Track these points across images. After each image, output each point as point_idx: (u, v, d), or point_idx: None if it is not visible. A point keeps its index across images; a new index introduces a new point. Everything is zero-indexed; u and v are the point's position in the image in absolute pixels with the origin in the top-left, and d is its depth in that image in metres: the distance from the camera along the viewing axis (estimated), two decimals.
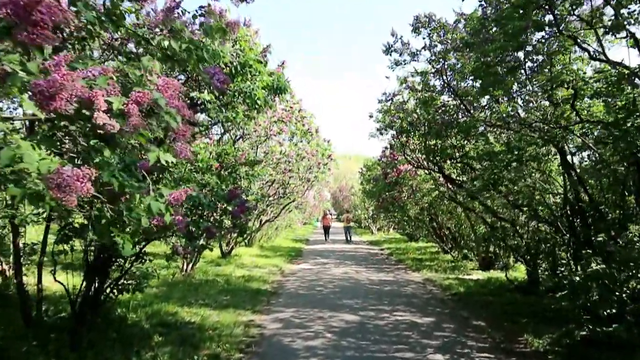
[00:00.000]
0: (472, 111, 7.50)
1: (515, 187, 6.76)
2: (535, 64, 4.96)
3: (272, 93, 6.34)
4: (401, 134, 10.06)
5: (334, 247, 23.32)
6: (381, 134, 13.27)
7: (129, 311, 7.03)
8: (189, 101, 5.39)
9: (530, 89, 5.76)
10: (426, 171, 12.87)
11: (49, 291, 7.71)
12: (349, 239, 27.02)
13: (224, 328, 6.86)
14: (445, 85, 7.83)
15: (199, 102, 5.42)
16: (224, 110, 5.30)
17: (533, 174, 6.99)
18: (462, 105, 7.83)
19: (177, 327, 6.84)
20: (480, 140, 8.04)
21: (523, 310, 8.34)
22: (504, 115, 6.23)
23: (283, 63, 11.67)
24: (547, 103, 5.88)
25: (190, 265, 11.42)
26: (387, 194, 19.73)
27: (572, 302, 5.60)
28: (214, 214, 5.83)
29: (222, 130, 11.56)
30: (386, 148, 19.77)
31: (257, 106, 5.88)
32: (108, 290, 6.35)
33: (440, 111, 8.66)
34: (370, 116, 11.58)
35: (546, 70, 4.90)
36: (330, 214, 37.10)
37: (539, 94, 5.77)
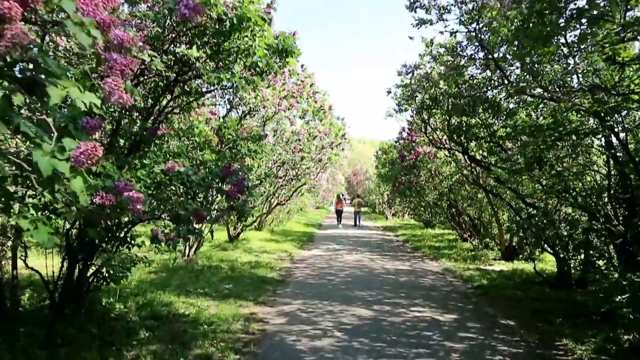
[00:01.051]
0: (510, 80, 6.54)
1: (559, 167, 5.84)
2: (600, 9, 4.03)
3: (277, 56, 5.48)
4: (423, 110, 9.12)
5: (347, 232, 22.55)
6: (400, 111, 12.36)
7: (116, 301, 6.32)
8: (173, 58, 4.56)
9: (589, 45, 4.80)
10: (447, 153, 11.95)
11: (35, 278, 7.05)
12: (358, 223, 26.76)
13: (222, 322, 6.13)
14: (478, 46, 6.84)
15: (188, 62, 4.59)
16: (218, 71, 4.46)
17: (575, 153, 6.06)
18: (496, 74, 6.89)
19: (169, 321, 6.12)
20: (515, 117, 7.10)
21: (555, 307, 7.48)
22: (556, 77, 5.28)
23: (294, 34, 10.80)
24: (603, 65, 4.91)
25: (193, 250, 10.72)
26: (403, 177, 18.82)
27: (626, 302, 4.72)
28: (208, 194, 5.04)
29: (229, 107, 10.76)
30: (403, 130, 18.83)
31: (258, 68, 5.03)
32: (91, 278, 5.67)
33: (467, 85, 7.72)
34: (389, 92, 10.65)
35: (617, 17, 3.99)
36: (344, 198, 36.36)
37: (596, 53, 4.81)
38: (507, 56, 6.37)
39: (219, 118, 9.04)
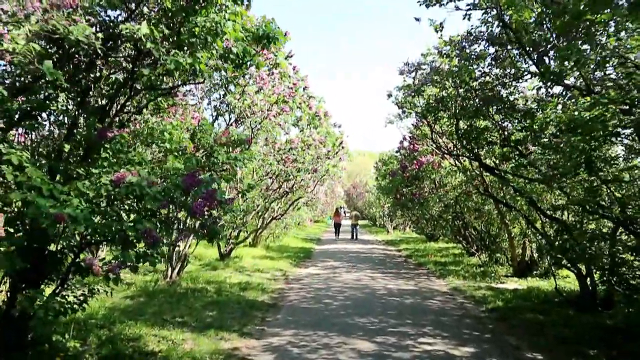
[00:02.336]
0: (540, 67, 5.60)
1: (607, 171, 4.90)
2: None
3: (258, 42, 4.56)
4: (428, 113, 8.19)
5: (346, 247, 21.52)
6: (402, 117, 11.48)
7: (70, 338, 5.32)
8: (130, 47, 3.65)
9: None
10: (454, 161, 11.03)
11: None
12: (355, 237, 26.55)
13: None
14: (499, 27, 5.90)
15: (143, 47, 3.67)
16: (178, 56, 3.54)
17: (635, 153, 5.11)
18: (513, 69, 6.01)
19: None
20: (536, 117, 6.18)
21: (585, 334, 6.50)
22: (605, 58, 4.36)
23: (285, 34, 9.94)
24: None
25: (177, 271, 9.73)
26: (405, 189, 17.88)
27: None
28: (170, 210, 4.10)
29: (215, 114, 9.86)
30: (404, 138, 17.94)
31: (232, 55, 4.11)
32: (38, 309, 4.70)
33: (478, 82, 6.82)
34: (389, 95, 9.75)
35: None
36: (344, 212, 35.53)
37: None
38: (537, 35, 5.43)
39: (206, 122, 8.12)
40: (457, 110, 7.42)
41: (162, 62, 3.48)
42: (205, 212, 3.91)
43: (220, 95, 9.73)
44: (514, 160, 7.12)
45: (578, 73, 6.06)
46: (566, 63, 4.52)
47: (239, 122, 9.58)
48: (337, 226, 28.19)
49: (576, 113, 4.74)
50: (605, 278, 7.98)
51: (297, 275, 12.31)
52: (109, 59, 4.53)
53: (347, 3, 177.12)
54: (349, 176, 61.40)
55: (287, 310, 8.06)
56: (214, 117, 9.72)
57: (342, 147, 12.81)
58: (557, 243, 6.45)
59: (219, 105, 9.68)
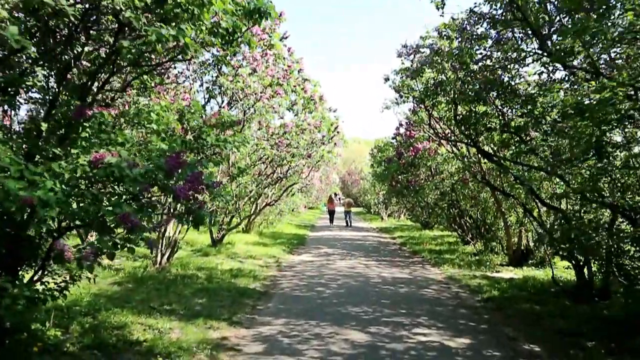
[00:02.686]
0: (546, 48, 5.36)
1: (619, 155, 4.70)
2: None
3: (248, 18, 4.30)
4: (426, 97, 7.94)
5: (340, 234, 21.37)
6: (399, 102, 11.22)
7: (50, 327, 5.10)
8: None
9: None
10: (451, 148, 10.81)
11: None
12: (348, 223, 26.50)
13: (182, 353, 4.95)
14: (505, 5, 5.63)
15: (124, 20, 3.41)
16: (161, 28, 3.28)
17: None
18: (516, 50, 5.76)
19: (118, 351, 4.94)
20: (539, 102, 5.96)
21: (582, 325, 6.36)
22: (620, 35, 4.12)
23: (281, 14, 9.62)
24: None
25: (167, 257, 9.52)
26: (400, 176, 17.68)
27: None
28: (151, 194, 3.87)
29: (208, 96, 9.56)
30: (400, 125, 17.69)
31: (221, 29, 3.85)
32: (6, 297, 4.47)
33: (479, 66, 6.57)
34: (386, 79, 9.48)
35: None
36: (339, 199, 35.47)
37: None
38: (542, 15, 5.18)
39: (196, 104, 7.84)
40: (456, 95, 7.18)
41: (143, 33, 3.22)
42: (191, 196, 3.68)
43: (212, 77, 9.44)
44: (513, 147, 6.90)
45: (585, 55, 5.84)
46: (577, 41, 4.27)
47: (232, 105, 9.30)
48: (332, 213, 28.59)
49: (582, 97, 4.53)
50: (604, 269, 7.87)
51: (290, 262, 12.13)
52: (90, 32, 4.26)
53: None
54: (344, 163, 61.13)
55: (278, 298, 7.88)
56: (206, 100, 9.43)
57: (338, 132, 12.54)
58: (559, 232, 6.24)
59: (211, 87, 9.38)
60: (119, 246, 3.30)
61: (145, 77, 5.00)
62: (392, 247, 16.26)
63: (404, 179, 17.09)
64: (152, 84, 5.20)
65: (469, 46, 6.38)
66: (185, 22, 3.49)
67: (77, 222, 3.71)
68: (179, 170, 3.54)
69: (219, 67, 8.91)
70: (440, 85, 7.29)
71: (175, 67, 9.66)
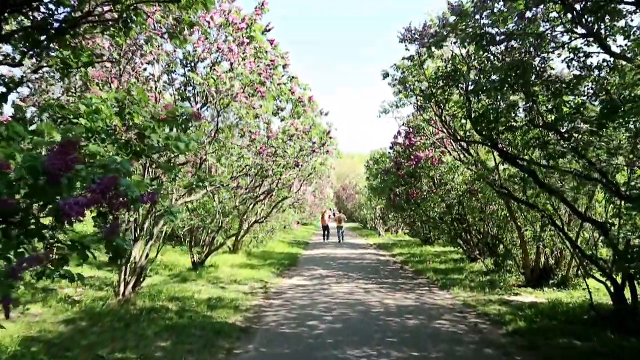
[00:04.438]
0: None
1: None
2: None
3: None
4: (438, 88, 6.62)
5: (336, 252, 19.91)
6: (398, 106, 9.97)
7: None
8: None
9: None
10: (458, 155, 9.50)
11: None
12: (340, 240, 26.16)
13: None
14: None
15: None
16: None
17: None
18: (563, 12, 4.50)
19: None
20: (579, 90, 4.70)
21: None
22: None
23: (263, 4, 8.36)
24: None
25: (132, 286, 8.07)
26: (398, 189, 16.36)
27: None
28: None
29: (179, 98, 8.23)
30: (399, 134, 16.43)
31: None
32: None
33: (504, 47, 5.31)
34: (386, 75, 8.20)
35: None
36: (333, 214, 34.24)
37: None
38: None
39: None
40: (474, 85, 5.90)
41: None
42: (100, 214, 2.31)
43: (186, 77, 8.13)
44: (546, 148, 5.58)
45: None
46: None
47: (207, 107, 7.97)
48: (325, 229, 28.09)
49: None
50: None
51: (280, 287, 10.70)
52: None
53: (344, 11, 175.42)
54: (339, 178, 59.80)
55: (262, 337, 6.46)
56: (175, 100, 8.09)
57: (331, 138, 11.19)
58: (624, 250, 4.92)
59: (182, 89, 8.07)
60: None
61: (66, 53, 3.67)
62: (393, 267, 14.83)
63: (403, 192, 15.78)
64: (78, 63, 3.87)
65: (489, 22, 5.12)
66: None
67: None
68: (71, 173, 2.18)
69: (191, 63, 7.61)
70: (454, 75, 5.99)
71: (145, 70, 8.40)
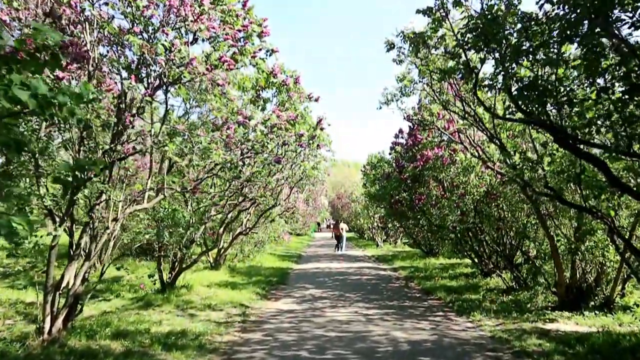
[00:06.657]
0: None
1: None
2: None
3: None
4: (475, 48, 4.79)
5: (331, 266, 17.97)
6: (404, 93, 8.22)
7: None
8: None
9: None
10: (482, 148, 7.69)
11: None
12: (339, 249, 25.86)
13: None
14: None
15: None
16: None
17: None
18: None
19: None
20: None
21: None
22: None
23: None
24: None
25: (61, 321, 6.15)
26: (403, 194, 14.52)
27: None
28: None
29: (126, 75, 6.38)
30: (401, 132, 14.64)
31: None
32: None
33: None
34: (391, 47, 6.41)
35: None
36: (335, 222, 32.47)
37: None
38: None
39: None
40: (517, 46, 4.08)
41: None
42: None
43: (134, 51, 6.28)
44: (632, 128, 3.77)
45: None
46: None
47: (164, 88, 6.12)
48: (338, 239, 26.70)
49: None
50: None
51: (262, 313, 8.79)
52: None
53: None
54: (334, 187, 57.81)
55: None
56: (123, 84, 6.22)
57: (322, 129, 9.28)
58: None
59: (133, 61, 6.22)
60: None
61: None
62: (396, 284, 12.92)
63: (406, 198, 13.94)
64: None
65: None
66: None
67: None
68: None
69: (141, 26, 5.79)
70: (493, 25, 4.17)
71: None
